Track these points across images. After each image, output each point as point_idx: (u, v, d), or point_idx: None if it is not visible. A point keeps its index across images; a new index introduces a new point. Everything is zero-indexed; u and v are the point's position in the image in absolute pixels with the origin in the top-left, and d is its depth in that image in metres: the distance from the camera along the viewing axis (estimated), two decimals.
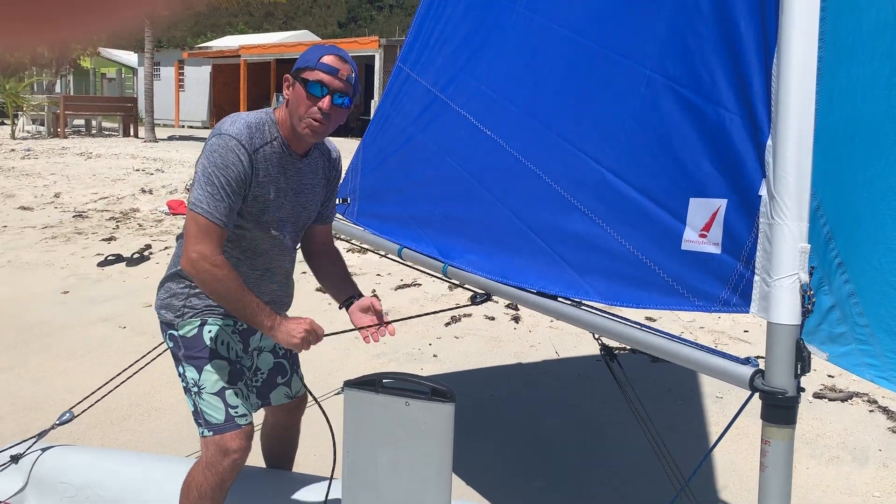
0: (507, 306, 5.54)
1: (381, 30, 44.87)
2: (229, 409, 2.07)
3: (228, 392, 2.08)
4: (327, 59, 1.96)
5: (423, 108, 2.82)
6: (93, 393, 2.87)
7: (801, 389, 1.52)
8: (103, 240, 7.48)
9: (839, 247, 1.64)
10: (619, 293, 1.92)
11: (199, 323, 2.12)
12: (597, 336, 2.40)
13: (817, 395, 4.03)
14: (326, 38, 30.92)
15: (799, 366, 1.48)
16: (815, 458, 3.43)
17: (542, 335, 5.03)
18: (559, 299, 2.10)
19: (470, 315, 5.45)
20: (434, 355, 4.67)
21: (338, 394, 2.17)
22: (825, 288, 1.68)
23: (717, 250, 1.67)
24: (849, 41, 1.59)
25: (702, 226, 1.70)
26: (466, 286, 2.52)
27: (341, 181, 2.58)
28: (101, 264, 6.59)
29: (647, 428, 2.50)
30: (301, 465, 3.20)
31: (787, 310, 1.48)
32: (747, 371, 1.56)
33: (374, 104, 22.06)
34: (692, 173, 1.73)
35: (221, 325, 2.14)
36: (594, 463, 3.37)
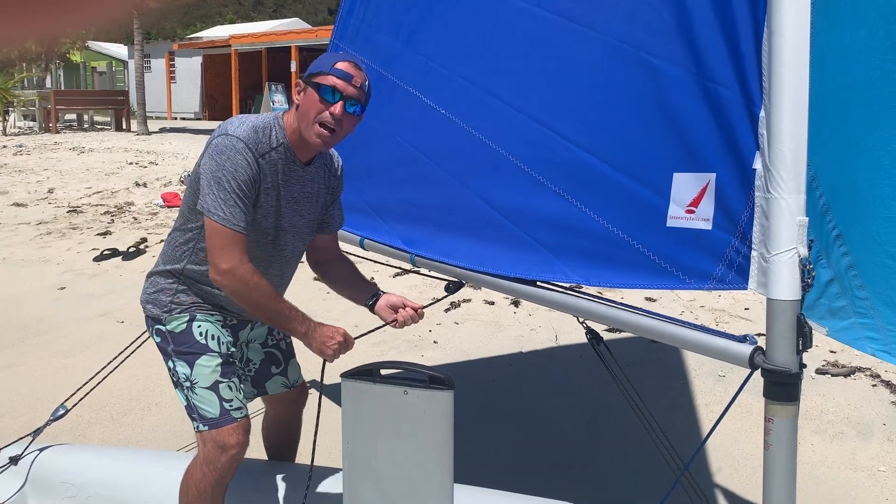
0: None
1: None
2: (224, 402, 2.05)
3: (222, 386, 2.06)
4: (342, 65, 1.94)
5: (381, 94, 2.65)
6: (83, 385, 2.85)
7: (802, 366, 1.49)
8: (98, 234, 7.44)
9: (836, 219, 1.61)
10: (601, 274, 1.87)
11: (187, 318, 2.10)
12: (581, 320, 2.35)
13: (820, 371, 4.01)
14: (317, 26, 30.66)
15: (800, 342, 1.46)
16: (820, 434, 3.42)
17: (543, 318, 5.01)
18: (538, 284, 2.05)
19: (470, 300, 5.42)
20: (434, 342, 4.65)
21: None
22: (823, 261, 1.65)
23: (707, 226, 1.63)
24: (840, 4, 1.54)
25: (689, 201, 1.66)
26: (435, 275, 2.45)
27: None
28: (96, 259, 6.55)
29: (640, 411, 2.48)
30: (303, 457, 3.19)
31: (787, 285, 1.45)
32: (746, 349, 1.54)
33: None
34: (675, 148, 1.68)
35: (212, 319, 2.12)
36: (599, 446, 3.36)
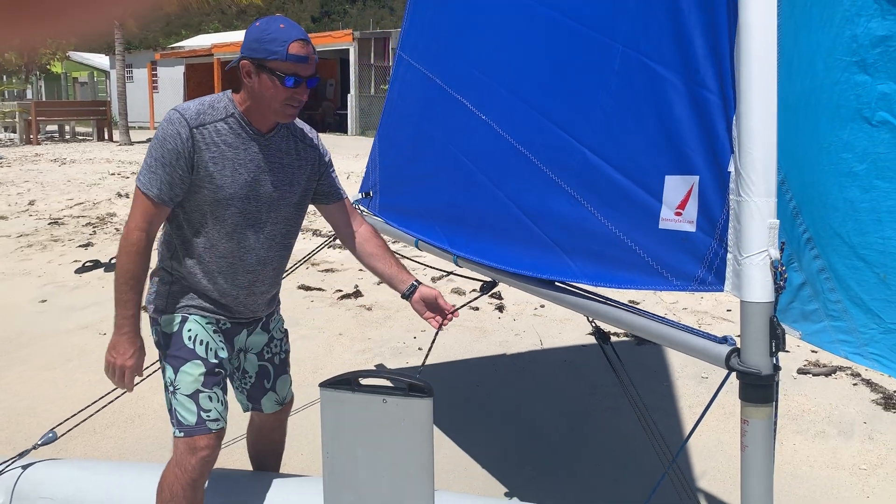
0: (491, 296, 5.52)
1: (354, 23, 44.56)
2: (202, 412, 2.05)
3: (202, 395, 2.06)
4: (296, 49, 1.94)
5: (425, 96, 2.81)
6: (79, 412, 2.83)
7: (777, 367, 1.51)
8: (80, 246, 7.39)
9: (807, 222, 1.63)
10: (604, 275, 1.91)
11: (179, 319, 2.10)
12: (590, 319, 2.42)
13: (801, 371, 4.04)
14: None
15: (773, 344, 1.47)
16: (801, 433, 3.44)
17: (527, 323, 5.02)
18: (556, 284, 2.10)
19: (453, 305, 5.43)
20: (419, 348, 4.65)
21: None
22: (795, 264, 1.67)
23: (692, 228, 1.65)
24: (807, 7, 1.56)
25: (677, 203, 1.68)
26: (466, 275, 2.52)
27: (363, 175, 2.55)
28: (78, 271, 6.51)
29: (638, 407, 2.49)
30: (287, 466, 3.18)
31: (759, 287, 1.46)
32: (724, 350, 1.55)
33: (350, 98, 21.94)
34: (666, 150, 1.70)
35: (203, 323, 2.12)
36: (583, 448, 3.37)
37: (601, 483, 3.06)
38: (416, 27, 3.00)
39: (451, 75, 2.62)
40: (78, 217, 8.82)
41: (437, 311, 2.31)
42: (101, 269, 6.51)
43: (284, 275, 2.36)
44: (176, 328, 2.09)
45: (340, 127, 23.23)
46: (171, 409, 2.09)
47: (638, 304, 5.17)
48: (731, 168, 1.54)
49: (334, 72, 25.34)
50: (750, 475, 1.55)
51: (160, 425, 3.60)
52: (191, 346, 2.08)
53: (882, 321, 1.61)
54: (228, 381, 2.28)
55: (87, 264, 6.59)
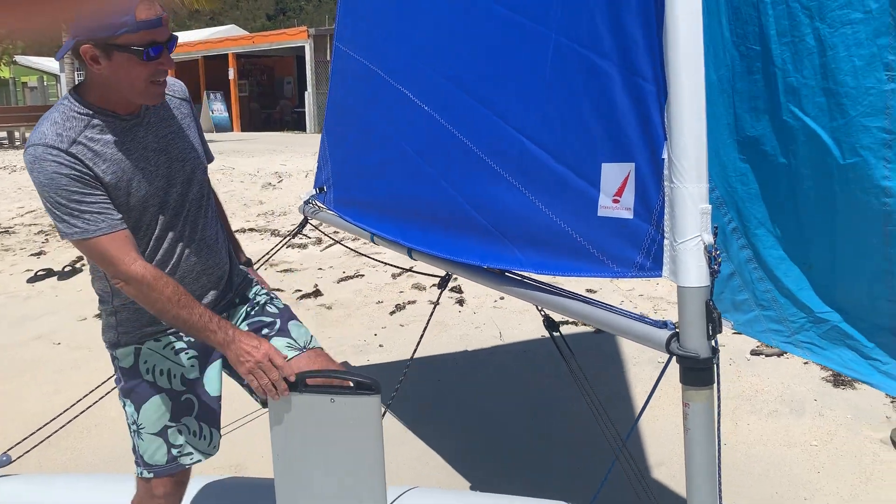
0: (452, 290, 5.53)
1: (310, 20, 44.17)
2: (172, 449, 1.92)
3: (171, 431, 1.92)
4: (143, 12, 1.61)
5: (368, 88, 2.77)
6: (35, 432, 2.77)
7: (715, 350, 1.53)
8: (32, 255, 7.23)
9: (731, 212, 1.65)
10: (548, 263, 1.92)
11: (133, 351, 1.91)
12: (539, 308, 2.43)
13: (754, 353, 4.12)
14: (255, 31, 30.27)
15: (710, 327, 1.49)
16: (756, 413, 3.51)
17: (487, 316, 5.04)
18: (506, 274, 2.10)
19: (415, 301, 5.43)
20: (380, 345, 4.64)
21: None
22: (723, 255, 1.69)
23: (629, 215, 1.66)
24: None
25: (615, 191, 1.70)
26: (425, 272, 2.50)
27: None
28: (30, 280, 6.36)
29: (587, 394, 2.52)
30: (247, 469, 3.16)
31: (694, 272, 1.49)
32: (664, 335, 1.58)
33: (307, 95, 21.75)
34: (602, 138, 1.72)
35: (159, 349, 1.92)
36: (542, 438, 3.40)
37: (561, 473, 3.09)
38: (351, 14, 2.92)
39: (393, 65, 2.58)
40: (29, 225, 8.63)
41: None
42: (55, 278, 6.37)
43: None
44: (132, 361, 1.92)
45: (299, 125, 23.03)
46: (136, 450, 1.93)
47: (595, 291, 5.23)
48: (665, 155, 1.55)
49: (291, 69, 25.11)
50: (693, 457, 1.58)
51: (117, 433, 3.55)
52: (150, 378, 1.91)
53: (810, 311, 1.65)
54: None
55: (39, 273, 6.45)
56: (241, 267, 2.14)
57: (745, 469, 3.04)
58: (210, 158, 2.05)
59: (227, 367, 1.99)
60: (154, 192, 1.79)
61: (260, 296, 2.10)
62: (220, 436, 2.03)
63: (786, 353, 4.11)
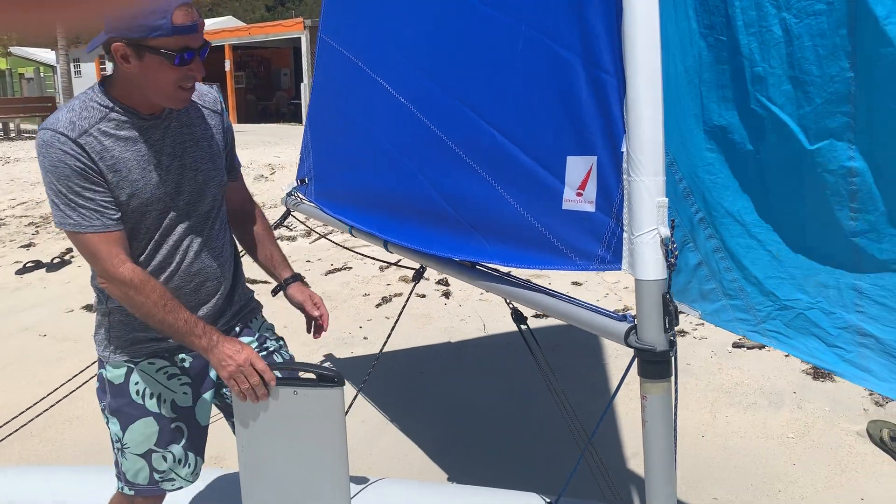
0: (438, 282, 5.54)
1: (309, 11, 44.01)
2: (155, 473, 1.89)
3: (156, 456, 1.88)
4: (181, 18, 1.61)
5: (348, 79, 2.77)
6: (14, 418, 2.77)
7: (672, 343, 1.54)
8: (22, 247, 7.23)
9: (698, 202, 1.65)
10: (515, 255, 1.93)
11: (125, 369, 1.86)
12: (508, 301, 2.44)
13: (736, 345, 4.13)
14: (253, 23, 30.17)
15: (667, 320, 1.50)
16: (734, 405, 3.52)
17: (472, 308, 5.05)
18: (477, 266, 2.11)
19: (401, 294, 5.43)
20: (365, 338, 4.65)
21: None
22: (690, 245, 1.70)
23: (591, 208, 1.67)
24: None
25: (578, 184, 1.70)
26: (408, 265, 2.51)
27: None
28: (19, 272, 6.37)
29: (553, 388, 2.53)
30: (228, 461, 3.17)
31: (651, 265, 1.49)
32: (623, 327, 1.58)
33: (304, 87, 21.70)
34: (568, 131, 1.72)
35: (153, 371, 1.87)
36: (523, 430, 3.41)
37: (542, 465, 3.11)
38: (335, 6, 2.95)
39: (372, 57, 2.59)
40: (20, 217, 8.62)
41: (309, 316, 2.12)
42: (43, 270, 6.38)
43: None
44: (122, 378, 1.86)
45: (295, 117, 22.99)
46: (118, 465, 1.90)
47: (580, 284, 5.24)
48: (624, 148, 1.56)
49: (288, 61, 25.04)
50: (651, 449, 1.58)
51: (99, 425, 3.55)
52: (139, 400, 1.85)
53: (777, 298, 1.65)
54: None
55: (28, 265, 6.45)
56: (251, 291, 2.10)
57: (721, 462, 3.05)
58: (234, 176, 2.04)
59: (217, 398, 2.00)
60: (160, 196, 1.76)
61: (270, 341, 2.06)
62: (203, 461, 2.01)
63: (767, 346, 4.12)
